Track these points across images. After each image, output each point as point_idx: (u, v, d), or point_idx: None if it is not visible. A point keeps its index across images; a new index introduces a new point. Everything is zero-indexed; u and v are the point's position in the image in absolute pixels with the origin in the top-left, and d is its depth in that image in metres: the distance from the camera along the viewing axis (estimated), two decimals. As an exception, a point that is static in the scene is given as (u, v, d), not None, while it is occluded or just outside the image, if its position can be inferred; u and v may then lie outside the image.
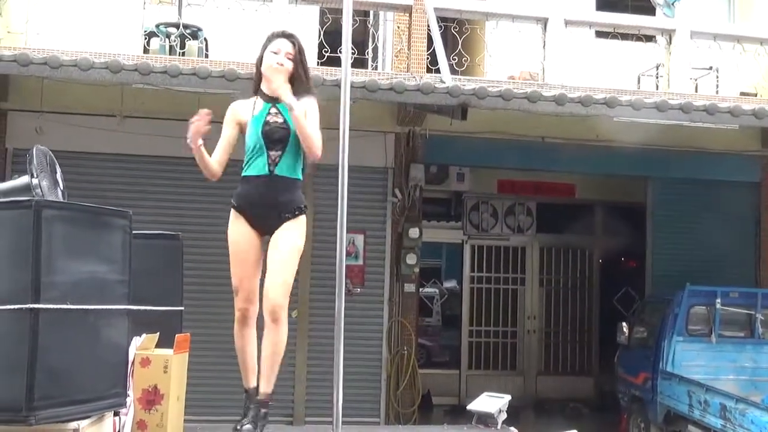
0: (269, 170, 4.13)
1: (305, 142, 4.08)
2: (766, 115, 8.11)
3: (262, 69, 4.19)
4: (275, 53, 4.16)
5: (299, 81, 4.20)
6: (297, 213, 4.16)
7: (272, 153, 4.13)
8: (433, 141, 9.32)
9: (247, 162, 4.21)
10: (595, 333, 12.70)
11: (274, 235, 4.14)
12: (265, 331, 4.16)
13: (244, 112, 4.24)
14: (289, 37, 4.23)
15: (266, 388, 4.19)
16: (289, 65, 4.16)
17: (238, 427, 4.17)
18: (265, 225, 4.16)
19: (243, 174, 4.22)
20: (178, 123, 8.63)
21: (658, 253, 11.09)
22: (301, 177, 4.20)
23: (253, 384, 4.29)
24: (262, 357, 4.18)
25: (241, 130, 4.24)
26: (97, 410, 3.55)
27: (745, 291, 9.20)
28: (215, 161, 4.26)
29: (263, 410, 4.19)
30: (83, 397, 3.43)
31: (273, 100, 4.17)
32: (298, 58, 4.21)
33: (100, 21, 9.22)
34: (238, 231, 4.20)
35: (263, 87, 4.21)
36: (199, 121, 4.02)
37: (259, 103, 4.22)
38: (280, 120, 4.14)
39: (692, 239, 10.82)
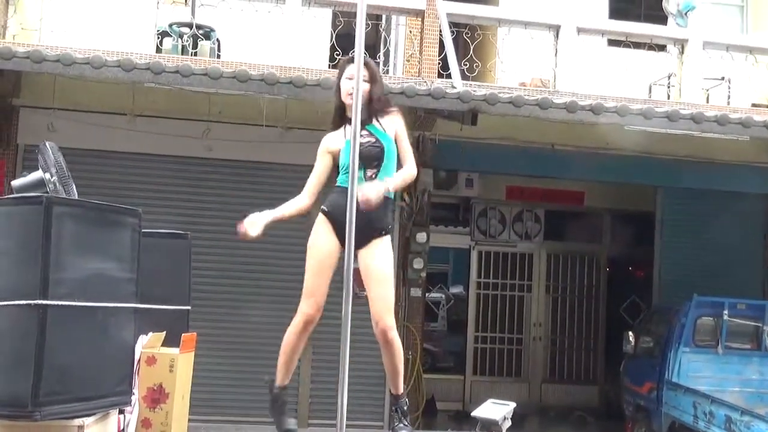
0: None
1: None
2: (778, 127, 8.09)
3: (342, 98, 4.29)
4: (350, 79, 4.22)
5: (377, 100, 4.27)
6: (383, 233, 4.20)
7: (369, 171, 4.20)
8: (443, 146, 9.31)
9: (343, 174, 4.24)
10: (601, 342, 12.64)
11: (363, 255, 4.17)
12: (382, 351, 4.29)
13: (336, 142, 4.32)
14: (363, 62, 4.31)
15: (399, 390, 4.39)
16: (365, 86, 4.19)
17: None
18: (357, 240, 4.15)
19: (337, 184, 4.27)
20: (189, 122, 8.78)
21: (666, 262, 11.05)
22: (392, 196, 4.25)
23: (286, 383, 4.38)
24: (386, 370, 4.36)
25: (334, 159, 4.31)
26: (102, 408, 3.56)
27: (753, 303, 9.17)
28: (307, 193, 4.35)
29: (405, 407, 4.40)
30: (88, 394, 3.44)
31: (362, 124, 4.19)
32: (375, 79, 4.29)
33: (114, 20, 9.26)
34: (323, 237, 4.22)
35: (348, 113, 4.27)
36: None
37: (348, 129, 4.26)
38: (373, 139, 4.21)
39: (701, 249, 10.78)
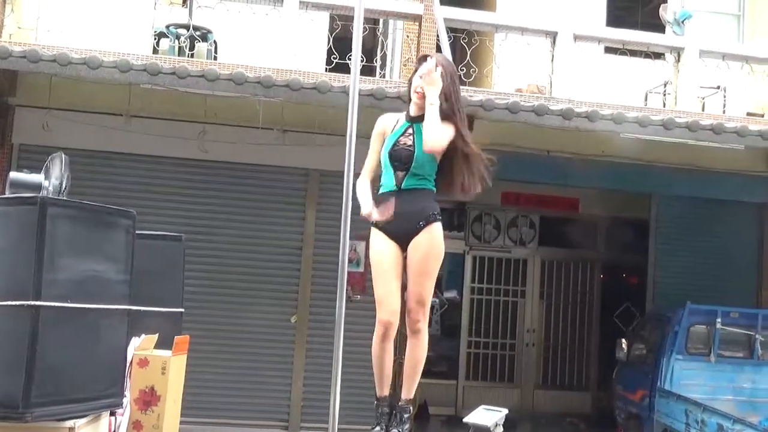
0: (397, 186, 4.17)
1: (425, 133, 4.06)
2: (773, 137, 8.12)
3: (411, 93, 4.25)
4: (422, 77, 4.19)
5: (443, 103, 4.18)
6: (429, 220, 4.15)
7: (398, 173, 4.18)
8: (439, 151, 9.29)
9: (381, 179, 4.26)
10: (594, 348, 12.65)
11: (408, 249, 4.16)
12: (408, 344, 4.25)
13: (389, 126, 4.30)
14: (435, 61, 4.28)
15: (406, 394, 4.29)
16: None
17: None
18: (403, 238, 4.17)
19: (378, 193, 4.25)
20: (185, 124, 8.78)
21: (660, 270, 11.07)
22: (432, 188, 4.20)
23: (385, 393, 4.30)
24: (405, 365, 4.28)
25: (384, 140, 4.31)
26: (94, 410, 3.55)
27: (746, 311, 9.19)
28: (366, 174, 4.29)
29: (405, 415, 4.28)
30: (80, 396, 3.43)
31: (414, 120, 4.22)
32: (447, 80, 4.19)
33: (111, 20, 9.24)
34: (378, 246, 4.22)
35: (410, 108, 4.27)
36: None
37: (401, 120, 4.27)
38: (410, 141, 4.18)
39: (694, 257, 10.81)
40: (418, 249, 4.13)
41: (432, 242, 4.15)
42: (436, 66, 4.17)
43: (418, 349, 4.24)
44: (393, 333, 4.23)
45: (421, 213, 4.14)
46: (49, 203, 3.39)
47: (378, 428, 4.28)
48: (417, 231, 4.14)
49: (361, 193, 4.18)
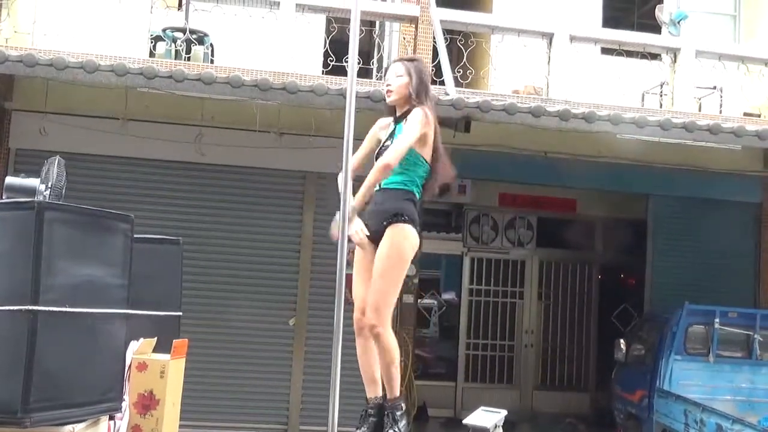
0: (380, 186, 4.16)
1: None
2: (769, 136, 8.13)
3: None
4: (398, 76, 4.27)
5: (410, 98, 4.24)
6: (392, 220, 4.07)
7: None
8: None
9: None
10: (592, 349, 12.65)
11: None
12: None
13: (383, 132, 4.34)
14: (401, 60, 4.42)
15: (390, 394, 4.26)
16: (397, 82, 4.25)
17: None
18: (376, 235, 4.12)
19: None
20: (181, 127, 8.78)
21: (658, 270, 11.07)
22: (412, 189, 4.17)
23: (371, 394, 4.30)
24: (380, 370, 4.28)
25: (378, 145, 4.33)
26: (93, 414, 3.55)
27: (744, 311, 9.20)
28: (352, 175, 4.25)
29: (398, 413, 4.25)
30: (79, 400, 3.43)
31: (398, 121, 4.26)
32: (411, 74, 4.25)
33: (107, 24, 9.23)
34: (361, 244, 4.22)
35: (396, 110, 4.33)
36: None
37: (391, 126, 4.30)
38: (389, 143, 4.20)
39: (692, 257, 10.81)
40: (378, 250, 4.07)
41: (390, 244, 4.05)
42: (403, 65, 4.27)
43: (382, 353, 4.19)
44: (365, 332, 4.18)
45: (386, 213, 4.09)
46: (46, 208, 3.39)
47: (362, 428, 4.26)
48: (382, 231, 4.08)
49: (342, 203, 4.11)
